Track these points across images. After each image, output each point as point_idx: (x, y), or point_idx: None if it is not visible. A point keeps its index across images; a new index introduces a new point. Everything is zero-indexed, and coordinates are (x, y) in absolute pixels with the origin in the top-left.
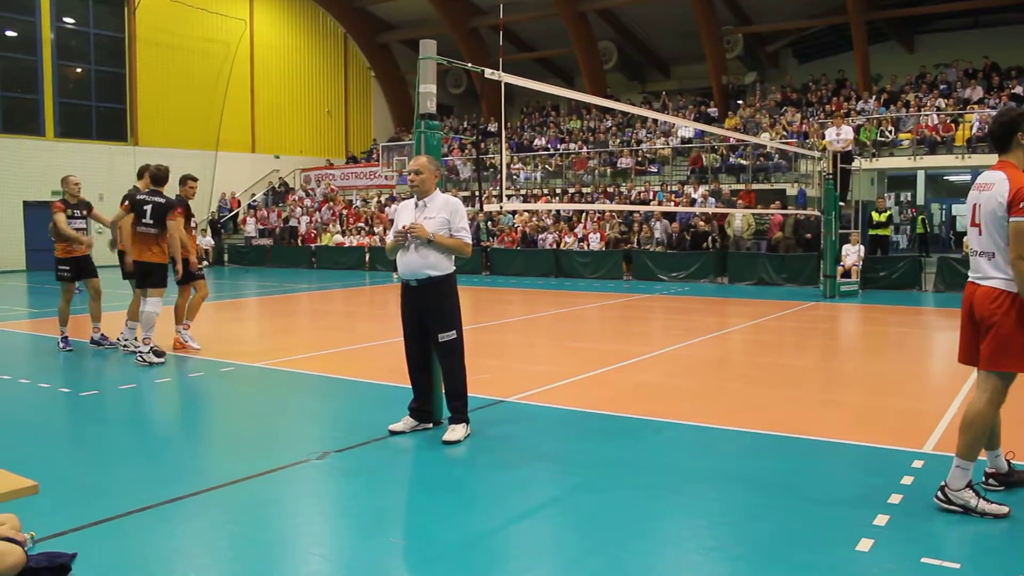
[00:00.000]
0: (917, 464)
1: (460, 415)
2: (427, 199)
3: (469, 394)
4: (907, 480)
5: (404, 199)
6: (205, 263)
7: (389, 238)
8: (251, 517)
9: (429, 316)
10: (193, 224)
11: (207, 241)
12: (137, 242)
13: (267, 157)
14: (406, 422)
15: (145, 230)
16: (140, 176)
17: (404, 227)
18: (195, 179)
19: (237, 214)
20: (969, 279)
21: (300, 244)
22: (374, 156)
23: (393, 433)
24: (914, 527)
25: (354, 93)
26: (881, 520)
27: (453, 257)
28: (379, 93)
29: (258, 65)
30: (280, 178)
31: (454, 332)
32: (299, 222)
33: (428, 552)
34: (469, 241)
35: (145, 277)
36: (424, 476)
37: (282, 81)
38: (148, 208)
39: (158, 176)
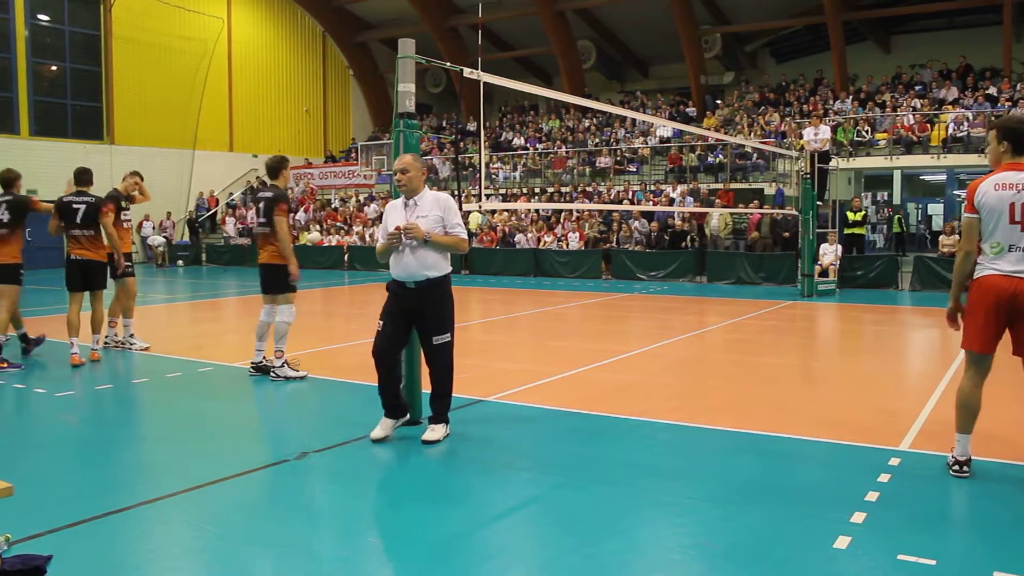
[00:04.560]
0: (894, 462)
1: (441, 416)
2: (417, 197)
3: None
4: (884, 478)
5: (385, 199)
6: (128, 265)
7: (379, 240)
8: (229, 518)
9: (426, 318)
10: (126, 219)
11: (158, 240)
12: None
13: (245, 156)
14: (385, 425)
15: (81, 232)
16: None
17: (398, 228)
18: (134, 173)
19: (215, 213)
20: (997, 272)
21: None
22: (353, 155)
23: (376, 441)
24: (891, 525)
25: (332, 92)
26: (858, 518)
27: (449, 256)
28: (357, 92)
29: (236, 64)
30: (258, 177)
31: (448, 334)
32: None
33: (407, 552)
34: (465, 236)
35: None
36: (403, 476)
37: (260, 80)
38: (79, 209)
39: (80, 178)
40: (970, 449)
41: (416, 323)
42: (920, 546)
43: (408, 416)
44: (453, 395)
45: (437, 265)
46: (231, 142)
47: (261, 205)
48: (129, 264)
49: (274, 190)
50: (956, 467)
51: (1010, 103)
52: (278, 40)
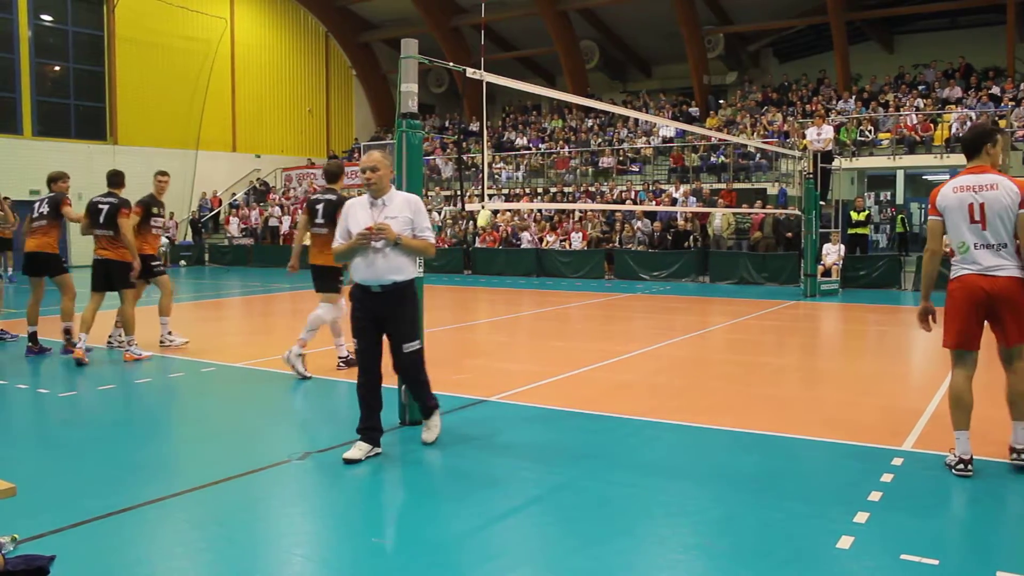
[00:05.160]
0: (897, 462)
1: (430, 411)
2: (385, 197)
3: (450, 393)
4: (887, 478)
5: (351, 198)
6: (158, 264)
7: (337, 240)
8: (232, 518)
9: (392, 325)
10: (156, 224)
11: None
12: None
13: (248, 156)
14: (360, 448)
15: (102, 232)
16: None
17: (370, 228)
18: (164, 173)
19: (218, 213)
20: (971, 271)
21: (281, 244)
22: (355, 156)
23: (349, 462)
24: (894, 524)
25: (335, 92)
26: (861, 518)
27: (416, 260)
28: (360, 92)
29: (239, 64)
30: (259, 178)
31: (418, 341)
32: (280, 222)
33: (409, 552)
34: (433, 241)
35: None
36: (405, 475)
37: (263, 80)
38: (103, 210)
39: (110, 179)
40: (971, 447)
41: (384, 330)
42: (923, 546)
43: (380, 450)
44: (455, 395)
45: (404, 269)
46: (234, 142)
47: (320, 207)
48: (159, 263)
49: (336, 194)
50: (960, 466)
51: (1013, 102)
52: (281, 40)
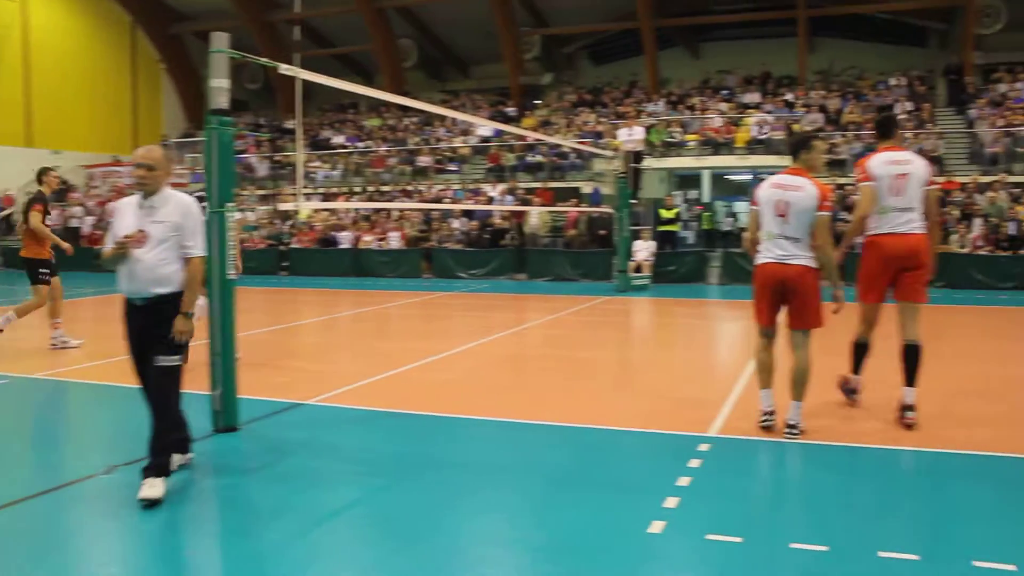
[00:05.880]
0: (704, 447)
1: (164, 463)
2: (155, 198)
3: (267, 398)
4: (695, 463)
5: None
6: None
7: (107, 244)
8: (33, 539)
9: (153, 338)
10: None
11: None
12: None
13: (45, 152)
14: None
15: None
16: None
17: (129, 236)
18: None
19: (11, 214)
20: (770, 260)
21: (84, 246)
22: None
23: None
24: (701, 507)
25: (143, 85)
26: (671, 502)
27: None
28: (170, 86)
29: (35, 53)
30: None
31: (179, 357)
32: (82, 222)
33: (227, 562)
34: (202, 254)
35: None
36: (219, 485)
37: (62, 70)
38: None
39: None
40: (773, 402)
41: (143, 346)
42: (728, 525)
43: (191, 455)
44: (271, 399)
45: (170, 280)
46: (29, 136)
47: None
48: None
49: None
50: (763, 417)
51: (805, 108)
52: (82, 28)
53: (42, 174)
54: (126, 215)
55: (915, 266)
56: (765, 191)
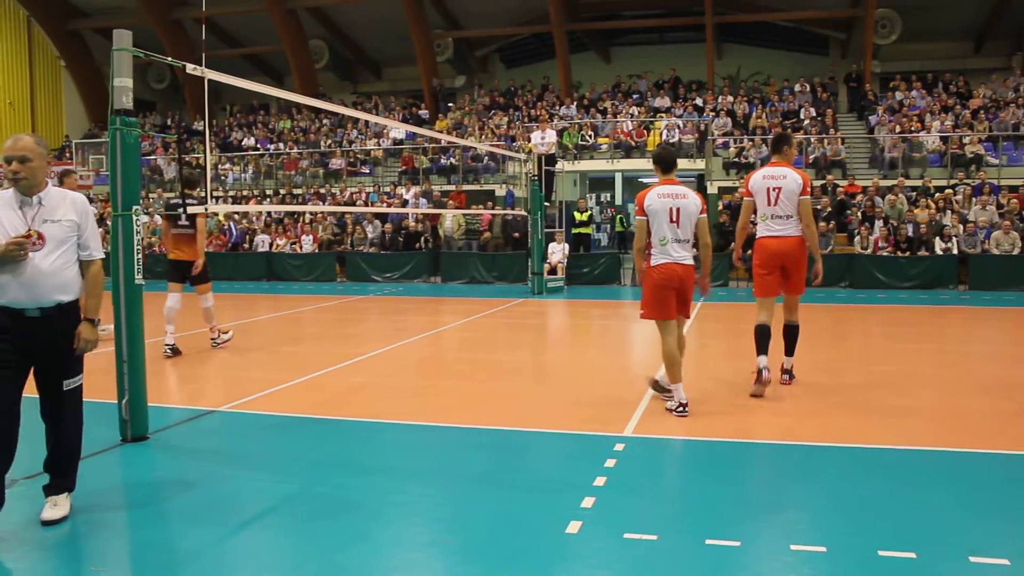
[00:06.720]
0: (619, 447)
1: (68, 481)
2: (41, 195)
3: (178, 405)
4: (611, 463)
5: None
6: None
7: None
8: None
9: (54, 356)
10: None
11: None
12: None
13: None
14: None
15: None
16: None
17: (27, 235)
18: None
19: None
20: (673, 260)
21: None
22: (67, 154)
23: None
24: (618, 506)
25: (41, 84)
26: (588, 503)
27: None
28: (71, 85)
29: None
30: None
31: (81, 375)
32: None
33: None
34: (101, 257)
35: None
36: (128, 494)
37: None
38: None
39: None
40: (684, 395)
41: (38, 363)
42: (644, 523)
43: None
44: (180, 407)
45: (70, 286)
46: None
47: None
48: None
49: None
50: (679, 408)
51: (714, 112)
52: None
53: None
54: (6, 215)
55: (794, 264)
56: (758, 181)
